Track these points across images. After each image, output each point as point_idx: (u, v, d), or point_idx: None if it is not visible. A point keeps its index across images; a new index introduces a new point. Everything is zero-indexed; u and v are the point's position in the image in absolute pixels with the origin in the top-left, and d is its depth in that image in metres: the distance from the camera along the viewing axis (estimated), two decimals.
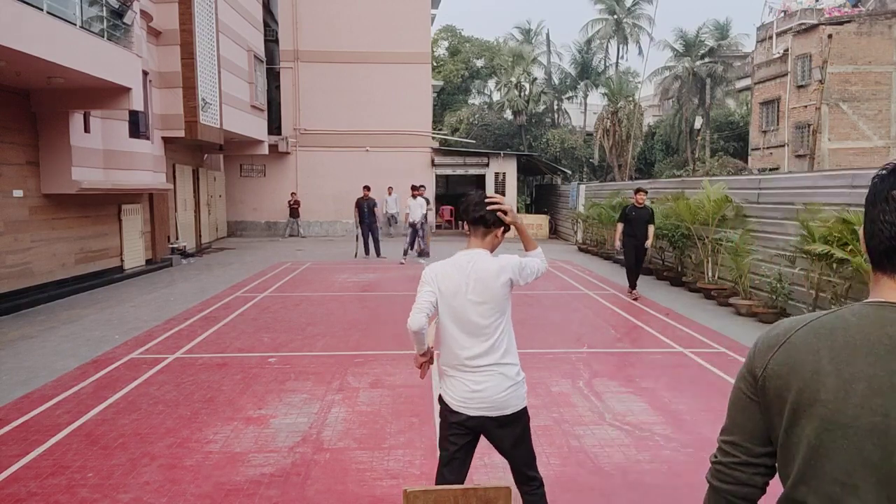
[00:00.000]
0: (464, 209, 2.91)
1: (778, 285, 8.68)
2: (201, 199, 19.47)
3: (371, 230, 16.83)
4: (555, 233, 24.54)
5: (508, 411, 2.78)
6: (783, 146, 30.82)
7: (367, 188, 17.21)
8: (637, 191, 10.68)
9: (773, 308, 8.87)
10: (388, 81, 23.65)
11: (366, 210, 16.59)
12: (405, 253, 15.92)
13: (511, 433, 2.82)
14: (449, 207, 26.54)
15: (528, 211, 28.12)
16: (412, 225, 16.17)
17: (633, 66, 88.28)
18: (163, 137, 15.04)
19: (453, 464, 2.87)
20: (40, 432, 4.80)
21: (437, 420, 2.97)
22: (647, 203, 10.87)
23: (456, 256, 2.88)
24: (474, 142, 32.76)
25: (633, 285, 10.75)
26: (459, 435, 2.83)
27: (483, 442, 4.62)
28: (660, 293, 11.19)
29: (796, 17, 30.98)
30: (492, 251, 2.94)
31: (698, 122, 37.60)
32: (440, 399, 2.91)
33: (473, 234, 2.91)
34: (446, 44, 40.97)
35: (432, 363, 3.00)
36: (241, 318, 9.08)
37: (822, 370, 1.15)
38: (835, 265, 7.60)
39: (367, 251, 16.93)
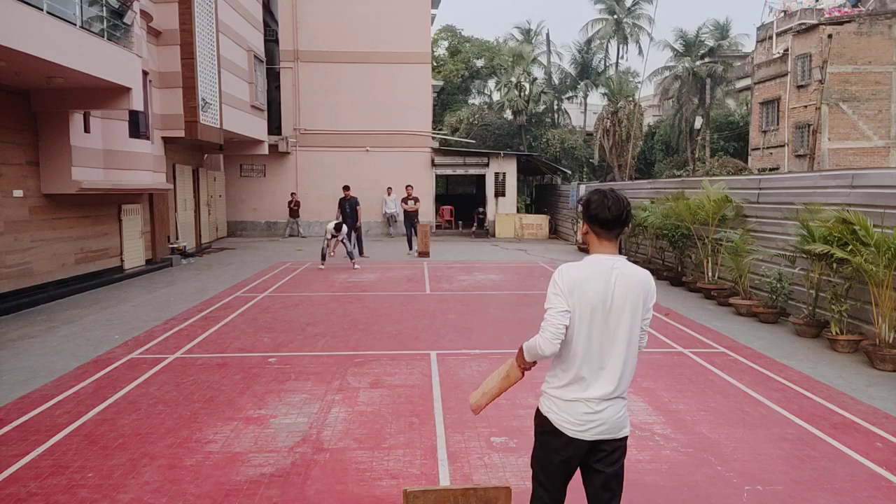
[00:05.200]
0: (623, 217, 2.52)
1: (778, 285, 8.68)
2: (201, 199, 19.47)
3: (353, 229, 16.68)
4: (555, 233, 24.55)
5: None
6: (783, 146, 30.82)
7: (346, 188, 16.91)
8: None
9: (773, 308, 8.87)
10: (388, 81, 23.66)
11: (347, 209, 16.20)
12: None
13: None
14: (449, 207, 26.53)
15: (528, 211, 28.11)
16: None
17: (633, 66, 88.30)
18: (163, 137, 15.04)
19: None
20: (40, 432, 4.80)
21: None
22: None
23: (593, 263, 2.55)
24: (474, 142, 32.75)
25: None
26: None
27: (483, 442, 4.64)
28: (660, 293, 11.18)
29: (796, 17, 30.99)
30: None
31: (698, 122, 37.58)
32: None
33: (603, 238, 2.56)
34: (446, 44, 40.94)
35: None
36: (241, 318, 9.08)
37: None
38: (835, 265, 7.60)
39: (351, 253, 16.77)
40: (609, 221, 2.50)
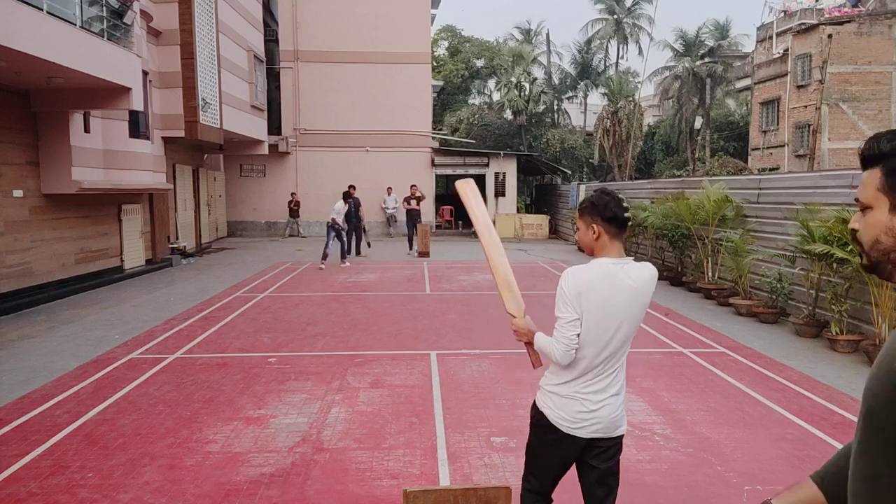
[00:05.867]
0: (606, 205, 2.50)
1: (778, 285, 8.68)
2: (201, 199, 19.47)
3: (356, 229, 16.85)
4: (555, 233, 24.55)
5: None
6: (783, 146, 30.82)
7: (352, 187, 17.06)
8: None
9: (773, 308, 8.87)
10: (388, 81, 23.66)
11: (352, 209, 16.32)
12: None
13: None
14: (449, 207, 26.53)
15: (528, 211, 28.12)
16: None
17: (633, 66, 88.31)
18: (163, 137, 15.04)
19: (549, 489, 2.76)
20: (40, 432, 4.80)
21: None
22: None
23: (615, 271, 2.51)
24: (474, 142, 32.75)
25: None
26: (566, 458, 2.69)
27: (483, 442, 4.64)
28: (660, 293, 11.19)
29: (796, 17, 30.99)
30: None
31: (698, 122, 37.58)
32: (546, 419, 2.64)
33: (616, 238, 2.55)
34: (446, 44, 40.94)
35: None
36: (241, 318, 9.08)
37: None
38: (835, 265, 7.60)
39: (349, 250, 16.90)
40: (625, 221, 2.51)
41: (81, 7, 9.25)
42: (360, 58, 23.46)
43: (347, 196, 15.20)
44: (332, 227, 14.81)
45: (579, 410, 2.54)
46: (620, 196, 2.54)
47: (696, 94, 37.32)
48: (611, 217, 2.50)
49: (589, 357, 2.51)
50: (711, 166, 27.92)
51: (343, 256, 14.98)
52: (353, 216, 16.40)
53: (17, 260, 10.02)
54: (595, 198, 2.56)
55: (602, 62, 43.69)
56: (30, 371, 6.43)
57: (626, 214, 2.51)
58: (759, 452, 4.47)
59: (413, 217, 18.21)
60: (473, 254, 17.76)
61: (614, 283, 2.47)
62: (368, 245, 17.45)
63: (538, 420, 2.65)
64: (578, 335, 2.46)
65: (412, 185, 19.09)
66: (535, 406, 2.69)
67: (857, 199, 1.25)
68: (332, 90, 23.59)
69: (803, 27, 29.82)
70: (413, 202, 18.29)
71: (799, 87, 29.96)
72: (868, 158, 1.22)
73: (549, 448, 2.63)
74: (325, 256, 14.66)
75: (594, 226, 2.53)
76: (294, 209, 23.20)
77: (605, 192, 2.57)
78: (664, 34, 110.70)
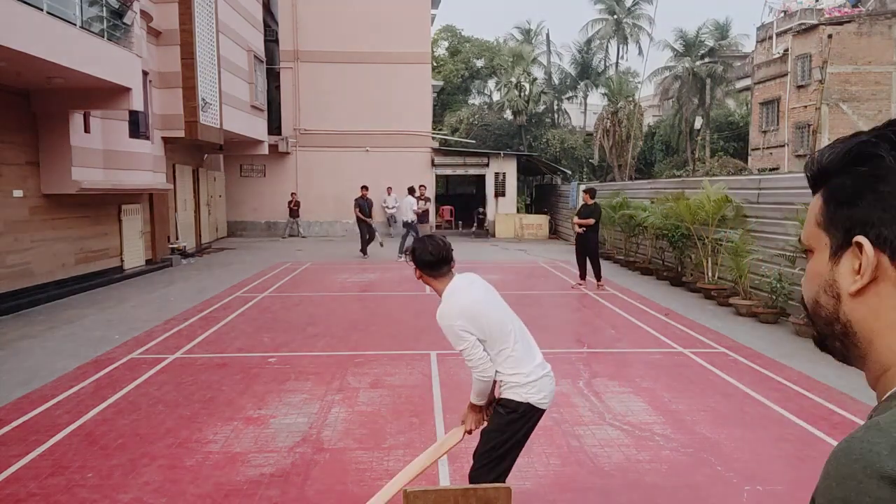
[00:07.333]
0: (445, 254, 3.00)
1: (778, 285, 8.68)
2: (201, 199, 19.46)
3: (369, 228, 17.03)
4: (555, 233, 24.54)
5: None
6: (783, 146, 30.81)
7: (364, 188, 17.26)
8: (584, 191, 12.02)
9: (773, 308, 8.87)
10: (388, 81, 23.65)
11: (367, 209, 16.70)
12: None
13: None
14: (449, 207, 26.53)
15: (527, 211, 28.11)
16: None
17: (633, 66, 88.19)
18: (163, 137, 15.04)
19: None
20: (40, 432, 4.80)
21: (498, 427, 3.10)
22: (596, 202, 11.93)
23: (465, 282, 3.07)
24: (474, 142, 32.73)
25: (581, 275, 11.78)
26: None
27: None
28: (660, 293, 11.19)
29: (796, 18, 30.99)
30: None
31: (698, 122, 37.56)
32: (525, 405, 2.97)
33: (434, 275, 3.05)
34: (446, 44, 40.93)
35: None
36: (241, 318, 9.08)
37: None
38: None
39: (366, 248, 17.00)
40: (435, 263, 2.96)
41: (81, 7, 9.25)
42: (360, 58, 23.45)
43: (413, 191, 16.58)
44: (409, 223, 15.88)
45: (549, 382, 2.99)
46: (432, 243, 2.98)
47: (696, 95, 37.29)
48: (420, 262, 2.98)
49: (518, 340, 2.93)
50: (711, 166, 27.90)
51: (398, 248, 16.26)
52: (368, 215, 16.90)
53: (17, 260, 10.01)
54: (411, 249, 3.08)
55: (602, 62, 43.67)
56: (30, 371, 6.43)
57: (431, 258, 2.94)
58: (759, 452, 4.47)
59: (422, 218, 18.17)
60: (474, 254, 17.76)
61: (473, 289, 2.99)
62: (381, 245, 17.67)
63: (521, 412, 2.93)
64: (485, 350, 2.89)
65: (421, 186, 19.02)
66: (510, 402, 2.96)
67: (799, 241, 0.79)
68: (332, 90, 23.58)
69: (803, 27, 29.82)
70: (422, 202, 18.26)
71: (799, 87, 29.96)
72: (812, 179, 0.82)
73: (527, 431, 2.98)
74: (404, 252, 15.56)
75: (415, 269, 3.03)
76: (294, 209, 23.19)
77: (417, 240, 3.03)
78: (664, 34, 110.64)
